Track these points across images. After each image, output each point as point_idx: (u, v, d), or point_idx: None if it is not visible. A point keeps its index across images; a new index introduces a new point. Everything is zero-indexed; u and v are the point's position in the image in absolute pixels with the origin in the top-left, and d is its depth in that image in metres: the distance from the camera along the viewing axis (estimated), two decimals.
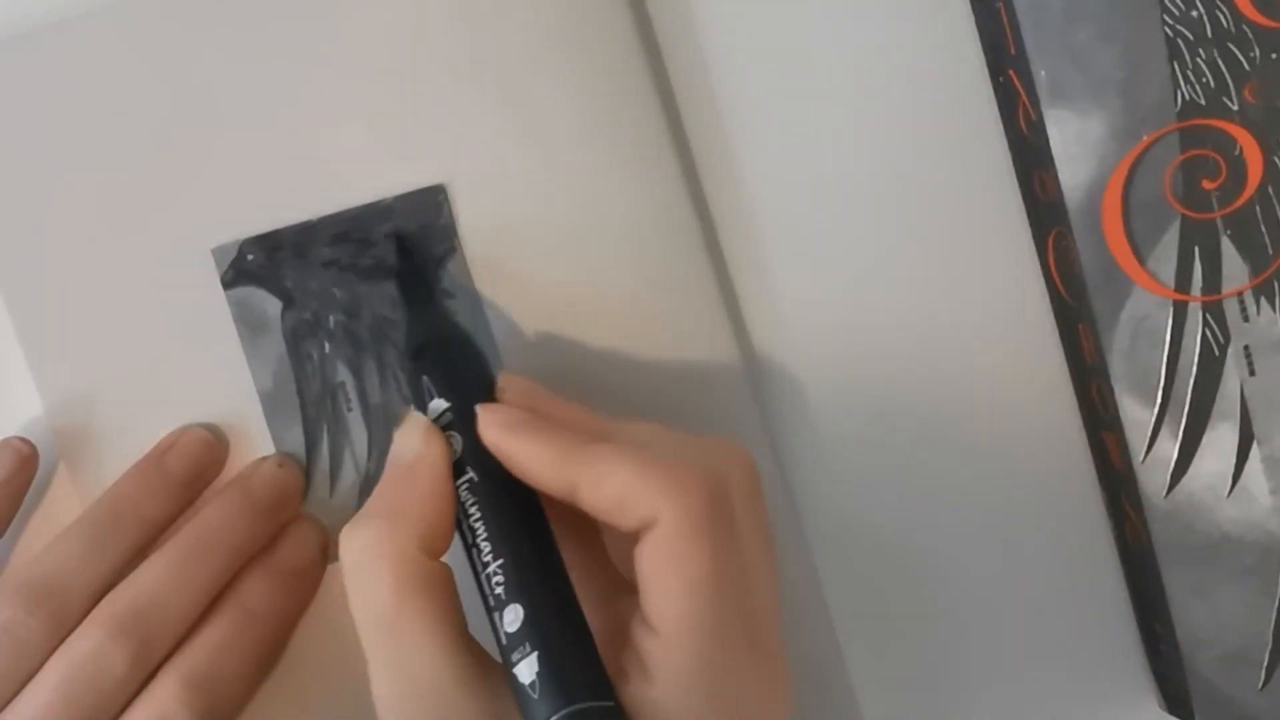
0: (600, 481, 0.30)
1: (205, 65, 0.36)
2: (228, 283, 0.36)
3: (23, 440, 0.36)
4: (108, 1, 0.36)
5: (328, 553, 0.36)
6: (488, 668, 0.31)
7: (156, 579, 0.33)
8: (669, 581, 0.29)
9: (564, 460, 0.31)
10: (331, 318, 0.36)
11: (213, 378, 0.36)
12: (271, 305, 0.36)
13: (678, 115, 0.37)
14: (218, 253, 0.36)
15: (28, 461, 0.36)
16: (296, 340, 0.36)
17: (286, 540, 0.36)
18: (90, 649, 0.32)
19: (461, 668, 0.30)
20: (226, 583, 0.34)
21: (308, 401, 0.36)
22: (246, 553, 0.35)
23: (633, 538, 0.30)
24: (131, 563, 0.34)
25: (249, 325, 0.36)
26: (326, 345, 0.36)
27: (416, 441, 0.32)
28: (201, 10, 0.36)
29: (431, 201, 0.36)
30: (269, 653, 0.35)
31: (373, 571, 0.30)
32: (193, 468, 0.35)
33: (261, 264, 0.36)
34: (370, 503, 0.32)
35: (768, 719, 0.30)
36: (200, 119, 0.36)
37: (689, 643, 0.29)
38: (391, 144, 0.36)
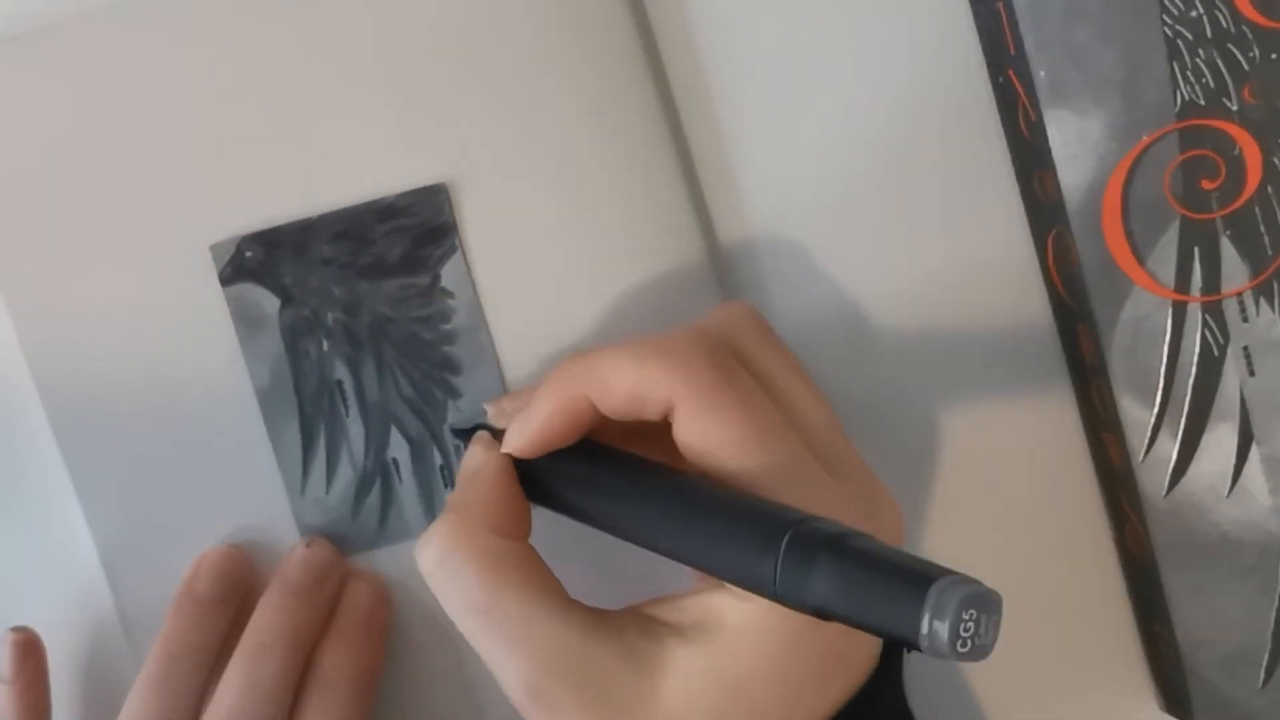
0: (609, 388, 0.31)
1: (205, 63, 0.36)
2: (226, 279, 0.36)
3: (17, 630, 0.36)
4: (108, 1, 0.36)
5: (384, 597, 0.36)
6: (601, 615, 0.31)
7: (233, 693, 0.34)
8: (712, 451, 0.30)
9: (572, 378, 0.31)
10: (330, 315, 0.36)
11: (210, 374, 0.36)
12: (270, 302, 0.36)
13: (677, 115, 0.37)
14: (216, 249, 0.36)
15: (33, 647, 0.36)
16: (294, 337, 0.36)
17: (343, 601, 0.36)
18: None
19: (577, 622, 0.30)
20: (303, 667, 0.35)
21: (305, 399, 0.36)
22: (308, 636, 0.35)
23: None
24: (205, 689, 0.35)
25: (247, 322, 0.36)
26: (325, 343, 0.36)
27: (478, 450, 0.33)
28: (201, 9, 0.36)
29: (433, 200, 0.36)
30: (363, 711, 0.36)
31: (453, 565, 0.31)
32: (221, 584, 0.36)
33: (260, 261, 0.36)
34: (439, 517, 0.32)
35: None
36: (200, 116, 0.36)
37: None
38: (393, 142, 0.36)
